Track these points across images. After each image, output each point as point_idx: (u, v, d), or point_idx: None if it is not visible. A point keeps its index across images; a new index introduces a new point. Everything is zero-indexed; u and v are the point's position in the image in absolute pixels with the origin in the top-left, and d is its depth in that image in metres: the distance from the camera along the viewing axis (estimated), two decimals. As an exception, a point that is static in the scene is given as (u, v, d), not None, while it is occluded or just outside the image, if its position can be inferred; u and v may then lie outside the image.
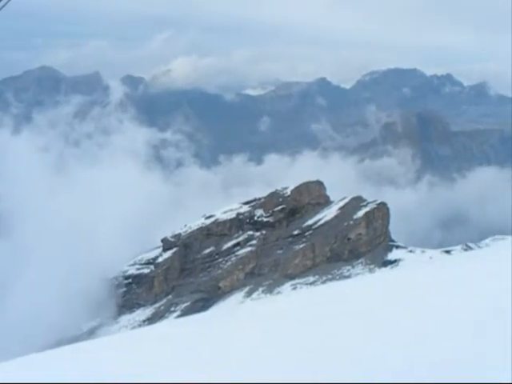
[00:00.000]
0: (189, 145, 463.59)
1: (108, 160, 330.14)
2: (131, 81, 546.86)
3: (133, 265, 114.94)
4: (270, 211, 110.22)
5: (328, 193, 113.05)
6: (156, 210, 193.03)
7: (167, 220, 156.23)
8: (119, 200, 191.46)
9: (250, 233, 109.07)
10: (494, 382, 5.31)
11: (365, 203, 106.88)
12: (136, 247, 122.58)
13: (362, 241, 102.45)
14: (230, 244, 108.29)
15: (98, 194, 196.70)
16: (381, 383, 5.80)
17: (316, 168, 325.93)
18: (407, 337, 7.45)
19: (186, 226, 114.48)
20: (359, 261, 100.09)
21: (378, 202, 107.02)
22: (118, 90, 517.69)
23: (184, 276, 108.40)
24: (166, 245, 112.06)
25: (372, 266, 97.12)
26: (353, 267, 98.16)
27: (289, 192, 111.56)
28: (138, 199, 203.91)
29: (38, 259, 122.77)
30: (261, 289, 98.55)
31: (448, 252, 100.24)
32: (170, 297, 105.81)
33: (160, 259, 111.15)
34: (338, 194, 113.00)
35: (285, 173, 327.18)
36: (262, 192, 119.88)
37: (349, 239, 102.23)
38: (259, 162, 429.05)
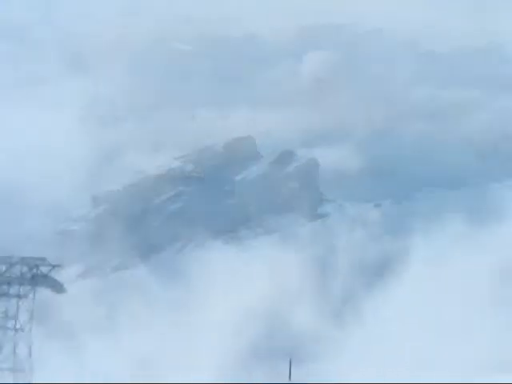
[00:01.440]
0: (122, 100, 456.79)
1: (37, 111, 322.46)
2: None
3: (64, 221, 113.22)
4: (201, 166, 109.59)
5: (260, 148, 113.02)
6: (90, 165, 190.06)
7: (101, 175, 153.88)
8: (50, 154, 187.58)
9: (181, 188, 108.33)
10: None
11: (296, 158, 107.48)
12: (69, 203, 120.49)
13: (294, 195, 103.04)
14: (160, 200, 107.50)
15: (28, 147, 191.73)
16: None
17: (249, 122, 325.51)
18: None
19: (116, 182, 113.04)
20: (291, 214, 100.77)
21: (309, 157, 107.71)
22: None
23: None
24: (97, 202, 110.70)
25: (303, 220, 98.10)
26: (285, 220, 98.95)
27: (221, 147, 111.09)
28: (71, 153, 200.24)
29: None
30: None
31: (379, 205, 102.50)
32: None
33: (91, 216, 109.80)
34: (270, 149, 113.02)
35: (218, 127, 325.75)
36: (194, 147, 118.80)
37: (280, 194, 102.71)
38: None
